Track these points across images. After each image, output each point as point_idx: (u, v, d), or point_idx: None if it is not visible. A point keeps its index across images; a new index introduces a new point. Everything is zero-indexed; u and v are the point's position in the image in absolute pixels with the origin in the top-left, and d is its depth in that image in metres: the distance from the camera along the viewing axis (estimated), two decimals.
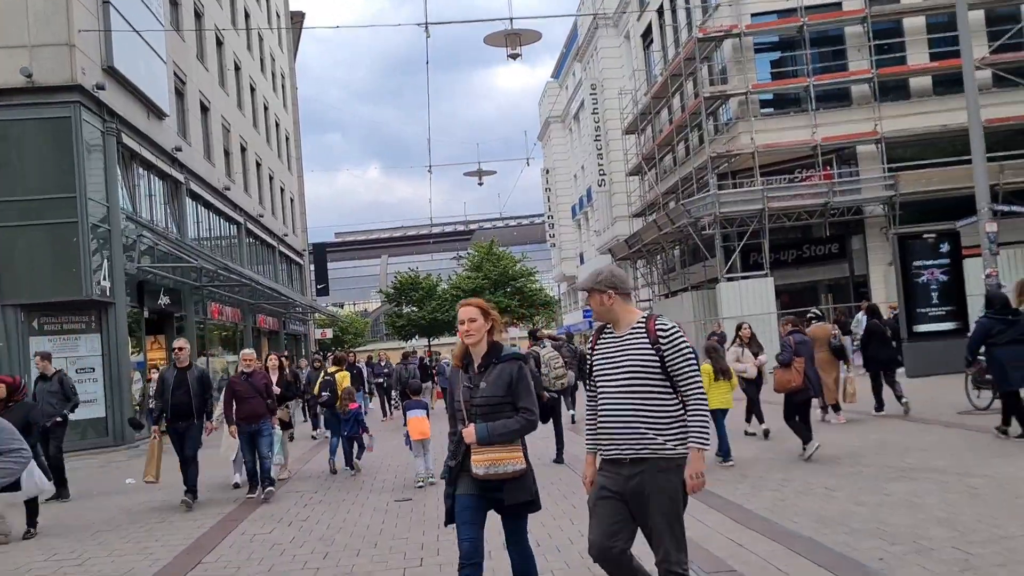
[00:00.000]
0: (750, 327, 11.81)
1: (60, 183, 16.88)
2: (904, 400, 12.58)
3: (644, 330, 3.88)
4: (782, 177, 29.87)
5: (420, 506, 8.67)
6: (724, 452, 9.59)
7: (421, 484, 9.82)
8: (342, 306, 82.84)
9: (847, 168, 29.52)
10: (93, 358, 17.45)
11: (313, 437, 17.08)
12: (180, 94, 24.48)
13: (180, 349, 9.76)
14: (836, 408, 12.71)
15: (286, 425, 12.86)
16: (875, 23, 28.65)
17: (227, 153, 29.63)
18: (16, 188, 16.86)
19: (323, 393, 12.48)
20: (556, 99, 61.87)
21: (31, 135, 16.93)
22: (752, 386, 11.68)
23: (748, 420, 11.90)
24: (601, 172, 45.82)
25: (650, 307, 37.17)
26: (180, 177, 23.47)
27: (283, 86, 43.17)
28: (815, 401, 11.18)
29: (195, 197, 25.26)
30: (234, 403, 9.59)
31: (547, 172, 64.23)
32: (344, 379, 12.45)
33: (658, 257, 37.55)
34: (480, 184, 31.70)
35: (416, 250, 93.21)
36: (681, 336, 3.85)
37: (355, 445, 11.85)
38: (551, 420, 10.94)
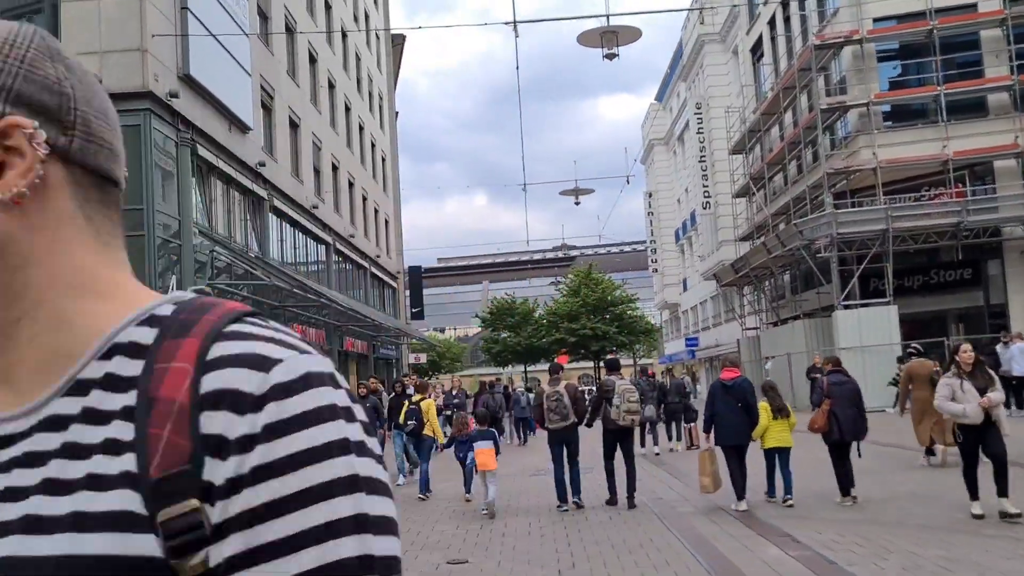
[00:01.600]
0: (972, 350, 8.19)
1: (128, 194, 16.04)
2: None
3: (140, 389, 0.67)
4: (907, 195, 27.24)
5: (476, 571, 7.09)
6: (787, 488, 9.29)
7: (485, 511, 9.69)
8: (443, 330, 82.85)
9: (982, 185, 26.71)
10: None
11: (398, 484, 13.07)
12: (267, 108, 23.88)
13: None
14: (930, 451, 11.57)
15: None
16: (1015, 25, 25.93)
17: (317, 171, 29.01)
18: None
19: (409, 422, 12.38)
20: (659, 120, 60.04)
21: None
22: (972, 435, 7.79)
23: (972, 493, 7.91)
24: (706, 194, 43.74)
25: (757, 335, 34.47)
26: (263, 193, 22.78)
27: (380, 107, 42.78)
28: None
29: (280, 214, 24.56)
30: None
31: (650, 195, 62.31)
32: (430, 407, 12.46)
33: (766, 283, 35.09)
34: (577, 203, 30.22)
35: (516, 276, 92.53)
36: (329, 436, 0.65)
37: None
38: (623, 454, 10.14)
